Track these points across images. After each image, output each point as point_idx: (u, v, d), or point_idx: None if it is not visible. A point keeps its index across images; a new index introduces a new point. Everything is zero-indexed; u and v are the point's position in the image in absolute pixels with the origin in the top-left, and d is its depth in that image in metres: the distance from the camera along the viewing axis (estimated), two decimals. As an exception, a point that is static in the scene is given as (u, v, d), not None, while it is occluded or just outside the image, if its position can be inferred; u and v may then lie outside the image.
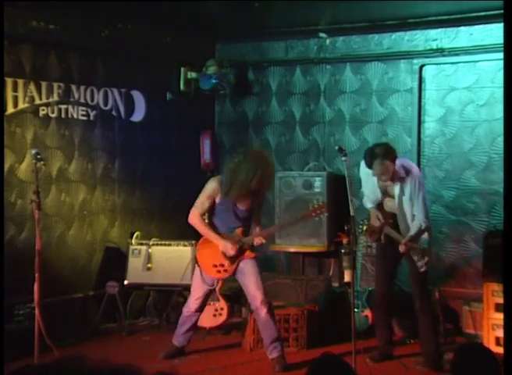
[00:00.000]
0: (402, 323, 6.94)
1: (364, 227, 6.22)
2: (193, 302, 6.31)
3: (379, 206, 6.10)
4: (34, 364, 2.69)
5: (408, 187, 5.89)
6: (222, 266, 6.14)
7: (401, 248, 5.88)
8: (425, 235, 6.01)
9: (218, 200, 6.09)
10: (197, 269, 6.28)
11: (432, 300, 6.44)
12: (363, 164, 5.98)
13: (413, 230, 5.90)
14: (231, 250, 6.03)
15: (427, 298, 6.12)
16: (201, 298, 6.29)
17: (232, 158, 6.16)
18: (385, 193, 6.04)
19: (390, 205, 6.04)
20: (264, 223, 6.69)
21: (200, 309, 6.37)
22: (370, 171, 5.91)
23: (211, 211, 6.16)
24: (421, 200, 5.92)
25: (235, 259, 6.11)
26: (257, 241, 6.06)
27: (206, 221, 6.18)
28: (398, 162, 5.89)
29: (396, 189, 5.92)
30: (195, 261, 6.33)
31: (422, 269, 6.00)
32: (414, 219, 5.92)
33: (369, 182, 6.06)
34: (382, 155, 5.76)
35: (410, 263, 6.05)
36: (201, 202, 6.10)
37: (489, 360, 3.31)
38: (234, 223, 6.12)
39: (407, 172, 5.92)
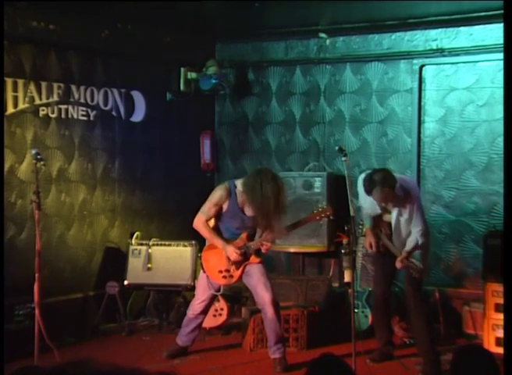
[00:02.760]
0: (402, 323, 6.94)
1: (364, 229, 6.22)
2: (197, 305, 6.31)
3: (378, 218, 6.09)
4: (41, 367, 2.68)
5: (407, 210, 5.84)
6: (228, 271, 6.12)
7: (398, 265, 5.87)
8: (422, 252, 5.99)
9: (225, 208, 6.06)
10: (202, 273, 6.28)
11: (427, 301, 6.43)
12: (361, 179, 5.94)
13: (408, 246, 5.86)
14: (234, 254, 6.01)
15: (421, 299, 6.10)
16: (206, 301, 6.30)
17: (250, 177, 6.00)
18: (385, 209, 6.01)
19: (389, 217, 6.03)
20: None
21: (205, 312, 6.38)
22: None
23: (217, 217, 6.15)
24: (419, 218, 5.88)
25: (240, 265, 6.09)
26: (264, 247, 6.04)
27: (211, 226, 6.16)
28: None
29: (394, 211, 5.89)
30: (201, 267, 6.31)
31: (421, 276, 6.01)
32: (411, 235, 5.89)
33: (367, 198, 5.95)
34: (381, 182, 5.68)
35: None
36: (208, 209, 6.07)
37: (488, 362, 3.31)
38: (240, 229, 6.10)
39: (406, 192, 5.85)
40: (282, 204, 5.89)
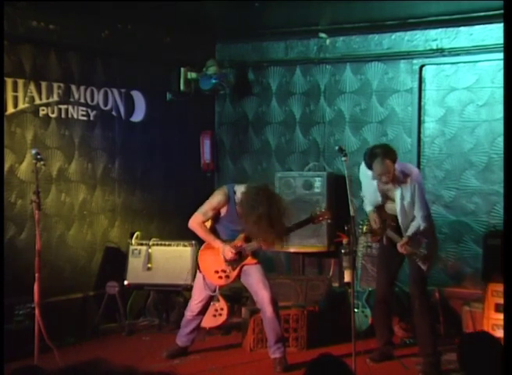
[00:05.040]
0: (402, 323, 6.94)
1: (364, 228, 6.20)
2: (195, 306, 6.31)
3: (380, 209, 6.08)
4: (42, 367, 2.69)
5: (408, 191, 5.84)
6: (224, 271, 6.12)
7: (400, 250, 5.87)
8: (426, 239, 5.97)
9: (223, 212, 6.06)
10: (198, 273, 6.28)
11: (430, 301, 6.43)
12: (363, 167, 5.95)
13: (410, 231, 5.88)
14: (230, 252, 6.01)
15: (426, 300, 6.09)
16: (203, 302, 6.30)
17: (248, 190, 5.93)
18: (386, 197, 6.01)
19: (391, 207, 6.00)
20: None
21: (203, 312, 6.38)
22: (370, 174, 5.89)
23: (214, 218, 6.14)
24: (421, 202, 5.89)
25: (236, 265, 6.09)
26: (264, 243, 6.02)
27: (208, 226, 6.16)
28: (397, 166, 5.84)
29: (397, 194, 5.88)
30: (197, 267, 6.30)
31: (426, 273, 5.97)
32: (414, 219, 5.90)
33: (369, 185, 6.00)
34: (381, 154, 5.73)
35: (411, 264, 6.04)
36: (205, 211, 6.06)
37: (495, 347, 3.34)
38: (238, 231, 6.09)
39: (406, 176, 5.88)
40: (278, 225, 5.85)
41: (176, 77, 8.15)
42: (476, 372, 3.32)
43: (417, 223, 5.88)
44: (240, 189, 5.99)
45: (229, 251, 6.02)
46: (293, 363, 6.06)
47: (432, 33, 7.44)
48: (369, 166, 5.80)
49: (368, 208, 6.14)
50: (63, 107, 7.11)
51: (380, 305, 6.28)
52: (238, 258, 6.07)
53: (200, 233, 6.13)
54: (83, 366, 2.18)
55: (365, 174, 5.96)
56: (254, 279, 6.10)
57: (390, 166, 5.76)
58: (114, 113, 7.61)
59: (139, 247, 7.46)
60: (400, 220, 5.94)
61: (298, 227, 6.17)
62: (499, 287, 6.19)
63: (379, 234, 6.08)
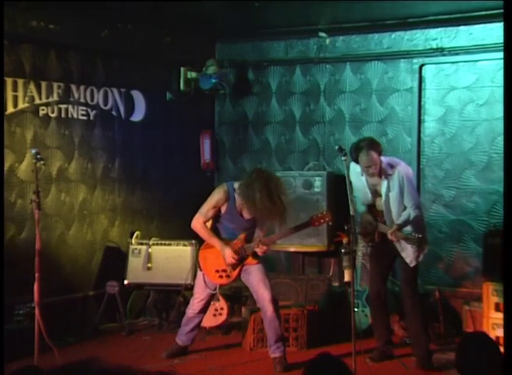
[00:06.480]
0: (402, 322, 6.93)
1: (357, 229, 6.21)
2: (196, 304, 6.32)
3: (371, 207, 6.10)
4: (42, 368, 2.69)
5: (396, 183, 5.89)
6: (225, 271, 6.13)
7: (390, 238, 5.87)
8: (416, 226, 5.97)
9: (223, 210, 6.07)
10: (199, 272, 6.28)
11: (424, 301, 6.43)
12: (352, 165, 5.97)
13: (400, 220, 5.90)
14: (230, 259, 6.03)
15: (418, 299, 6.11)
16: (205, 300, 6.31)
17: (244, 180, 5.95)
18: (375, 193, 6.05)
19: (381, 204, 6.04)
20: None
21: (204, 310, 6.40)
22: (359, 171, 5.94)
23: (215, 218, 6.15)
24: (411, 193, 5.93)
25: (237, 265, 6.10)
26: (259, 250, 6.03)
27: (209, 226, 6.16)
28: (384, 160, 5.92)
29: (383, 186, 5.93)
30: (198, 265, 6.31)
31: (412, 264, 5.97)
32: (405, 209, 5.92)
33: (359, 183, 6.04)
34: (366, 146, 5.82)
35: (401, 264, 6.05)
36: (206, 211, 6.07)
37: (491, 349, 3.34)
38: (238, 230, 6.10)
39: (393, 168, 5.94)
40: (280, 203, 5.85)
41: (176, 77, 8.16)
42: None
43: (407, 213, 5.91)
44: (237, 185, 6.01)
45: (230, 257, 6.03)
46: (292, 363, 6.07)
47: (432, 32, 7.44)
48: (355, 160, 5.88)
49: (361, 208, 6.15)
50: (63, 107, 7.11)
51: (375, 303, 6.29)
52: (239, 259, 6.07)
53: (203, 234, 6.14)
54: (76, 365, 2.18)
55: (355, 172, 6.00)
56: (255, 278, 6.11)
57: (376, 157, 5.84)
58: (114, 113, 7.62)
59: (139, 246, 7.46)
60: (384, 212, 5.97)
61: (298, 230, 6.17)
62: (499, 287, 6.19)
63: (371, 234, 6.10)
